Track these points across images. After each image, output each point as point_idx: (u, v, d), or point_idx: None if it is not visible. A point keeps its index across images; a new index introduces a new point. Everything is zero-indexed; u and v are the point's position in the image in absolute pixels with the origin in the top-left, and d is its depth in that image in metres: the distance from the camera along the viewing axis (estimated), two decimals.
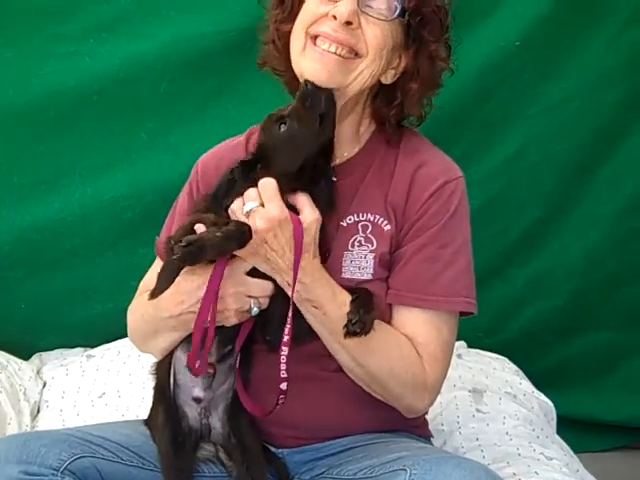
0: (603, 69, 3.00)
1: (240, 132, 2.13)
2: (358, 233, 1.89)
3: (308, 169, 1.78)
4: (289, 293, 1.76)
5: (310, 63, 1.84)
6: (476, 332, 3.13)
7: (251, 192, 1.73)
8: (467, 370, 2.76)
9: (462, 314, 1.95)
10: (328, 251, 1.86)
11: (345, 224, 1.90)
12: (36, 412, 2.67)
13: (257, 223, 1.70)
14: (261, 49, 2.02)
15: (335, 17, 1.80)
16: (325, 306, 1.78)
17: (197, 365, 1.80)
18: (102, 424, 2.06)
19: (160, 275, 1.92)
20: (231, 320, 1.81)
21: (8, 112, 2.81)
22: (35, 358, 2.96)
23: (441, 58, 1.92)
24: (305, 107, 1.76)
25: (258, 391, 1.88)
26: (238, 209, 1.74)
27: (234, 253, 1.74)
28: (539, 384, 2.86)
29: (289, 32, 1.91)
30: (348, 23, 1.80)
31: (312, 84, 1.76)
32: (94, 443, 1.78)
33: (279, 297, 1.79)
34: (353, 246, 1.89)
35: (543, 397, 2.76)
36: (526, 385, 2.79)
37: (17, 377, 2.73)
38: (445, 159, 1.97)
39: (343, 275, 1.87)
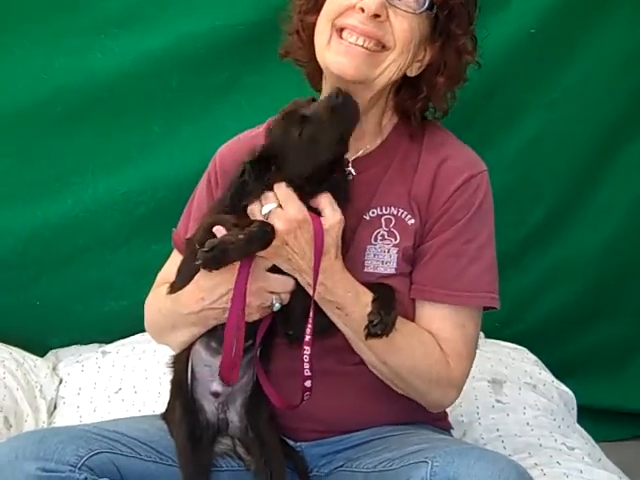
0: (620, 55, 2.96)
1: (251, 125, 2.12)
2: (381, 227, 1.88)
3: (323, 170, 1.76)
4: (310, 293, 1.75)
5: (336, 56, 1.82)
6: (494, 323, 3.10)
7: (268, 195, 1.72)
8: (486, 361, 2.73)
9: (485, 308, 1.93)
10: (347, 246, 1.83)
11: (368, 217, 1.88)
12: (53, 409, 2.66)
13: (276, 225, 1.69)
14: (284, 39, 2.00)
15: (362, 9, 1.77)
16: (347, 307, 1.77)
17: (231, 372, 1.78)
18: (119, 419, 2.05)
19: (180, 270, 1.91)
20: (253, 316, 1.80)
21: (19, 109, 2.80)
22: (51, 355, 2.95)
23: (468, 52, 1.91)
24: (330, 117, 1.72)
25: (278, 384, 1.86)
26: (257, 212, 1.72)
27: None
28: (559, 374, 2.83)
29: (314, 23, 1.88)
30: (376, 16, 1.78)
31: (342, 95, 1.71)
32: (111, 439, 1.76)
33: (300, 292, 1.78)
34: (376, 240, 1.87)
35: (563, 387, 2.73)
36: (545, 375, 2.76)
37: (33, 374, 2.73)
38: (469, 153, 1.95)
39: (366, 269, 1.86)
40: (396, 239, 1.87)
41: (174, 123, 2.86)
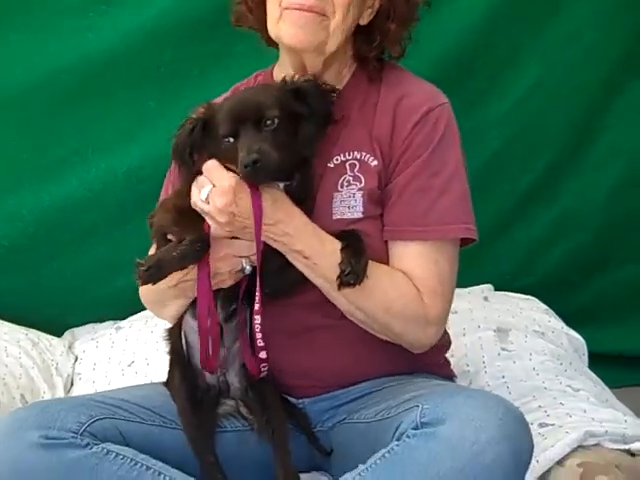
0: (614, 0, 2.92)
1: None
2: (346, 173, 1.88)
3: None
4: (273, 246, 1.78)
5: (288, 29, 1.85)
6: (503, 275, 3.11)
7: (200, 179, 1.76)
8: (493, 311, 2.73)
9: (464, 244, 1.92)
10: (314, 197, 1.85)
11: (332, 165, 1.89)
12: (70, 385, 2.72)
13: (217, 202, 1.71)
14: (233, 9, 2.03)
15: None
16: (314, 256, 1.78)
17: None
18: (122, 388, 2.10)
19: (156, 245, 1.94)
20: (227, 282, 1.83)
21: (16, 93, 2.83)
22: (67, 334, 3.00)
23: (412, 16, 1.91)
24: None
25: (270, 343, 1.87)
26: (197, 200, 1.75)
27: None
28: (570, 323, 2.82)
29: (263, 1, 1.91)
30: None
31: (251, 166, 1.69)
32: (113, 405, 1.81)
33: (269, 250, 1.79)
34: (342, 186, 1.88)
35: (573, 333, 2.73)
36: (555, 322, 2.75)
37: (49, 353, 2.78)
38: (428, 87, 1.95)
39: (334, 217, 1.86)
40: (361, 182, 1.87)
41: (170, 96, 2.87)
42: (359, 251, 1.77)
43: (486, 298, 2.85)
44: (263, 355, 1.83)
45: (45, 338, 2.87)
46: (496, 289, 3.01)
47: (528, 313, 2.77)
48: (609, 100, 3.05)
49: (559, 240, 3.16)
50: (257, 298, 1.78)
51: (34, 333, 2.87)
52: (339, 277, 1.74)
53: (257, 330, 1.80)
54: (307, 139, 1.80)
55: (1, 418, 1.78)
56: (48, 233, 2.94)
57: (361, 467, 1.65)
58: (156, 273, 1.71)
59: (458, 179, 1.87)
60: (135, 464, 1.71)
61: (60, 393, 2.63)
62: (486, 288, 2.96)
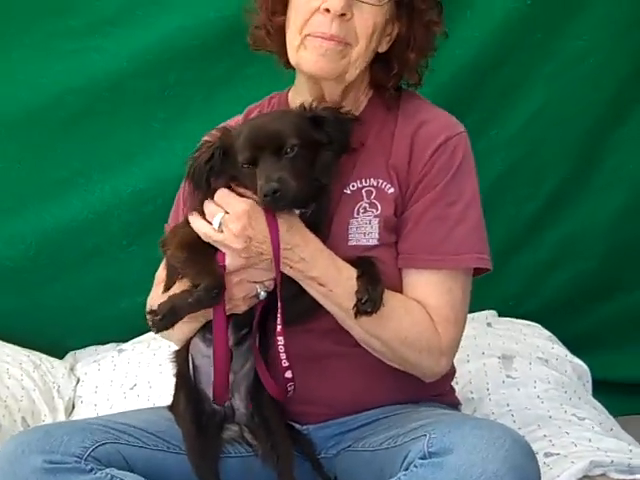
0: (617, 21, 2.93)
1: None
2: (363, 199, 1.88)
3: None
4: (287, 274, 1.77)
5: (310, 57, 1.85)
6: (507, 301, 3.11)
7: (211, 208, 1.76)
8: (497, 338, 2.73)
9: (478, 273, 1.92)
10: (330, 223, 1.86)
11: (349, 191, 1.89)
12: (71, 408, 2.70)
13: (233, 228, 1.71)
14: (251, 33, 2.02)
15: (328, 10, 1.79)
16: (330, 283, 1.78)
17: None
18: (125, 412, 2.08)
19: (168, 268, 1.94)
20: (241, 308, 1.82)
21: (20, 113, 2.84)
22: (69, 356, 3.00)
23: (435, 23, 1.91)
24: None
25: (278, 370, 1.87)
26: (209, 231, 1.74)
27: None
28: (573, 349, 2.82)
29: (282, 25, 1.91)
30: (342, 15, 1.80)
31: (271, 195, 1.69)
32: (117, 430, 1.80)
33: (287, 279, 1.79)
34: (358, 213, 1.88)
35: (577, 360, 2.72)
36: (559, 349, 2.75)
37: (50, 375, 2.77)
38: (446, 116, 1.96)
39: (349, 243, 1.86)
40: (377, 210, 1.87)
41: (175, 119, 2.89)
42: (375, 279, 1.77)
43: (490, 324, 2.85)
44: (289, 375, 1.82)
45: (47, 360, 2.86)
46: (499, 314, 3.01)
47: (532, 340, 2.77)
48: (614, 124, 3.05)
49: (563, 265, 3.15)
50: (279, 320, 1.77)
51: (36, 355, 2.86)
52: (356, 305, 1.74)
53: (281, 351, 1.79)
54: (325, 167, 1.80)
55: (4, 443, 1.76)
56: (51, 255, 2.94)
57: None
58: (170, 319, 1.72)
59: (474, 208, 1.88)
60: None
61: (61, 416, 2.62)
62: (490, 314, 2.96)
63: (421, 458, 1.58)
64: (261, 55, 2.79)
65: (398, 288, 1.87)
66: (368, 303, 1.73)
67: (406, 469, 1.60)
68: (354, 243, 1.86)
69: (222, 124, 2.07)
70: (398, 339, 1.82)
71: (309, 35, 1.83)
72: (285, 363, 1.81)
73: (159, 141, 2.90)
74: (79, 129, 2.87)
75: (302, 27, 1.84)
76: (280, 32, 1.92)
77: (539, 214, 3.11)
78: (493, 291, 3.04)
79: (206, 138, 1.84)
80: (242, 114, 2.11)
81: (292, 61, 1.90)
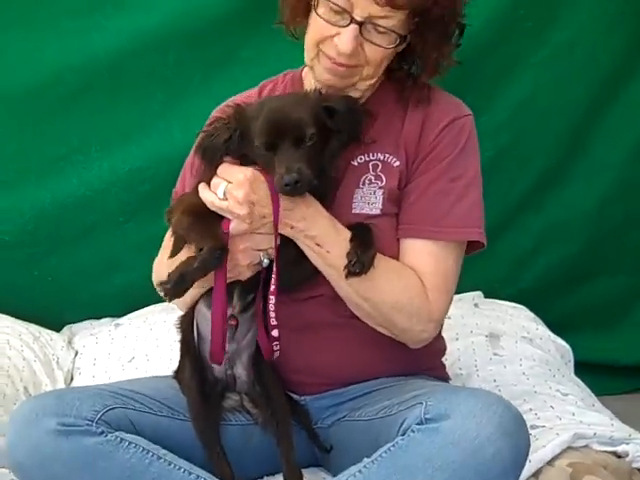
0: (607, 13, 3.01)
1: None
2: (369, 172, 1.96)
3: None
4: (287, 234, 1.84)
5: (322, 72, 1.91)
6: (493, 283, 3.19)
7: (215, 181, 1.82)
8: (484, 318, 2.82)
9: (472, 249, 2.00)
10: (335, 191, 1.93)
11: (356, 163, 1.97)
12: (70, 380, 2.76)
13: (236, 195, 1.77)
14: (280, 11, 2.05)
15: (338, 46, 1.85)
16: (327, 243, 1.84)
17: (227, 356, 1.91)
18: (132, 380, 2.15)
19: (174, 241, 1.99)
20: (245, 275, 1.89)
21: (20, 91, 2.88)
22: (66, 330, 3.05)
23: (444, 54, 1.95)
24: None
25: (285, 338, 1.93)
26: (215, 200, 1.81)
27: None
28: (556, 330, 2.90)
29: (304, 26, 1.96)
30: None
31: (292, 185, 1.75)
32: (125, 396, 1.87)
33: (287, 244, 1.86)
34: (364, 184, 1.95)
35: (560, 340, 2.82)
36: (543, 330, 2.84)
37: (50, 347, 2.83)
38: (454, 99, 2.04)
39: (353, 211, 1.94)
40: (382, 182, 1.94)
41: (173, 99, 2.95)
42: (368, 242, 1.84)
43: (477, 305, 2.94)
44: (275, 333, 1.89)
45: (46, 332, 2.91)
46: (485, 296, 3.10)
47: (517, 320, 2.86)
48: (599, 114, 3.14)
49: (548, 250, 3.25)
50: (273, 279, 1.84)
51: (35, 327, 2.92)
52: (346, 267, 1.82)
53: (271, 309, 1.86)
54: (332, 155, 1.87)
55: (19, 405, 1.83)
56: (48, 230, 2.99)
57: (366, 460, 1.72)
58: (181, 286, 1.78)
59: (475, 186, 1.96)
60: (147, 453, 1.77)
61: (61, 386, 2.66)
62: (476, 295, 3.05)
63: (418, 424, 1.66)
64: (258, 38, 2.90)
65: (395, 257, 1.94)
66: (357, 264, 1.80)
67: (403, 434, 1.68)
68: (357, 211, 1.94)
69: (234, 98, 2.13)
70: (390, 303, 1.88)
71: (322, 52, 1.89)
72: (273, 322, 1.87)
73: (157, 120, 2.95)
74: (78, 107, 2.91)
75: (318, 43, 1.90)
76: (301, 28, 1.98)
77: (525, 200, 3.20)
78: (479, 273, 3.12)
79: (218, 114, 1.90)
80: (256, 88, 2.15)
81: (307, 63, 1.96)
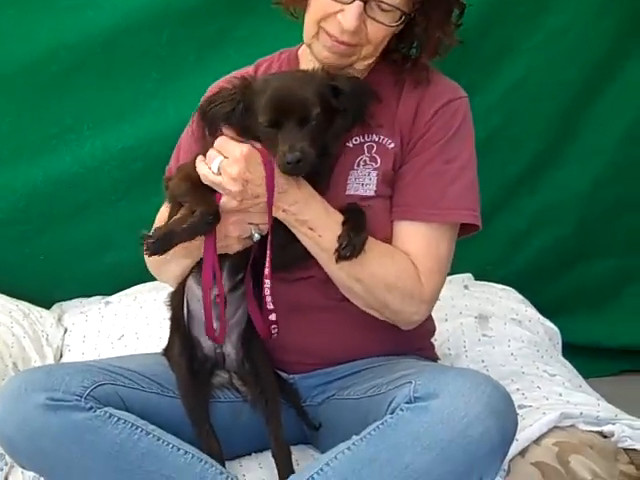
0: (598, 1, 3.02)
1: None
2: (364, 153, 1.96)
3: None
4: (280, 218, 1.84)
5: (321, 49, 1.91)
6: (484, 265, 3.20)
7: (209, 155, 1.80)
8: (474, 299, 2.83)
9: (467, 232, 2.01)
10: (330, 172, 1.93)
11: (351, 145, 1.97)
12: (59, 357, 2.76)
13: (230, 171, 1.76)
14: None
15: (341, 23, 1.85)
16: (320, 227, 1.85)
17: (216, 333, 1.91)
18: (122, 356, 2.17)
19: (170, 208, 1.99)
20: (234, 247, 1.89)
21: (13, 68, 2.86)
22: (56, 307, 3.05)
23: (447, 33, 1.96)
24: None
25: (264, 313, 1.94)
26: (208, 173, 1.79)
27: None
28: (546, 313, 2.91)
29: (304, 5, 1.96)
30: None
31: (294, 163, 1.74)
32: (114, 372, 1.88)
33: (279, 225, 1.86)
34: (358, 165, 1.96)
35: (548, 323, 2.83)
36: (531, 312, 2.85)
37: (39, 324, 2.83)
38: (450, 81, 2.04)
39: (347, 192, 1.94)
40: (377, 163, 1.95)
41: (167, 77, 2.93)
42: (359, 226, 1.85)
43: (466, 287, 2.95)
44: (273, 317, 1.89)
45: (35, 310, 2.92)
46: (475, 278, 3.12)
47: (506, 302, 2.87)
48: (592, 97, 3.14)
49: (538, 233, 3.26)
50: (267, 262, 1.84)
51: (25, 305, 2.92)
52: (337, 250, 1.82)
53: (267, 293, 1.86)
54: (335, 135, 1.87)
55: (8, 380, 1.84)
56: (40, 207, 2.99)
57: (355, 438, 1.72)
58: (164, 244, 1.75)
59: (470, 169, 1.96)
60: (136, 429, 1.78)
61: (50, 363, 2.68)
62: (466, 277, 3.06)
63: (407, 402, 1.67)
64: (252, 18, 2.89)
65: (388, 238, 1.95)
66: (348, 247, 1.81)
67: (392, 413, 1.69)
68: (351, 192, 1.94)
69: (233, 73, 2.12)
70: (382, 284, 1.89)
71: (323, 29, 1.89)
72: (270, 306, 1.88)
73: (151, 99, 2.94)
74: (72, 84, 2.90)
75: (319, 20, 1.89)
76: (300, 8, 1.98)
77: (516, 183, 3.21)
78: (470, 256, 3.11)
79: (223, 84, 1.88)
80: (252, 66, 2.15)
81: (305, 42, 1.96)
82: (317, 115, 1.77)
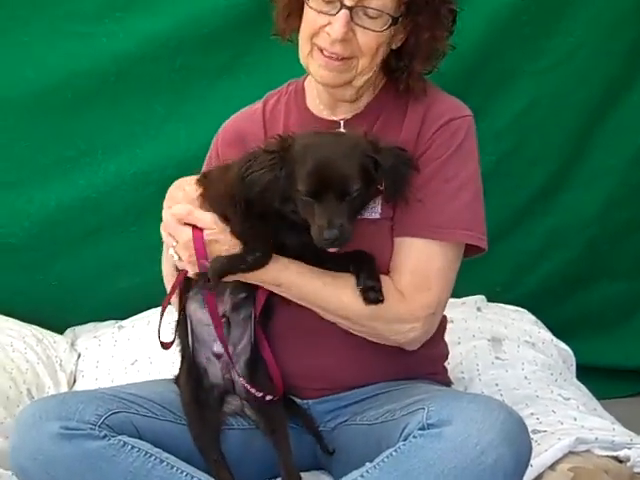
0: (609, 20, 3.02)
1: (253, 101, 2.22)
2: None
3: None
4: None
5: (317, 69, 1.94)
6: (495, 287, 3.19)
7: (166, 240, 1.94)
8: (486, 322, 2.82)
9: (473, 252, 2.00)
10: None
11: None
12: (73, 382, 2.78)
13: (182, 256, 1.87)
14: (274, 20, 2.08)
15: (329, 34, 1.88)
16: (317, 300, 1.91)
17: None
18: (134, 383, 2.17)
19: None
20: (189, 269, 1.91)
21: (28, 93, 2.89)
22: (69, 332, 3.06)
23: (439, 38, 1.97)
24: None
25: (279, 344, 1.98)
26: (175, 255, 1.90)
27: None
28: (559, 334, 2.91)
29: (297, 26, 1.98)
30: (342, 39, 1.88)
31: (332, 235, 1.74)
32: (128, 400, 1.88)
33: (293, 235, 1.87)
34: None
35: (562, 345, 2.82)
36: (545, 334, 2.85)
37: (53, 349, 2.84)
38: (455, 100, 2.05)
39: None
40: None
41: (179, 102, 2.96)
42: (372, 274, 1.88)
43: (479, 309, 2.94)
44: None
45: (49, 335, 2.93)
46: (488, 300, 3.10)
47: (519, 324, 2.86)
48: (601, 119, 3.14)
49: (549, 255, 3.25)
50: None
51: (38, 330, 2.93)
52: (366, 297, 1.85)
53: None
54: (368, 205, 1.90)
55: (23, 409, 1.85)
56: (54, 232, 3.00)
57: (368, 465, 1.73)
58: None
59: (468, 189, 1.95)
60: (150, 457, 1.79)
61: (64, 389, 2.69)
62: (479, 299, 3.05)
63: (420, 429, 1.67)
64: (264, 44, 2.90)
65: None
66: (378, 292, 1.85)
67: (405, 439, 1.69)
68: (358, 216, 1.94)
69: (238, 114, 2.16)
70: (365, 316, 1.90)
71: (315, 46, 1.92)
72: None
73: (163, 124, 2.97)
74: (85, 110, 2.93)
75: (311, 37, 1.92)
76: (294, 34, 2.00)
77: (527, 205, 3.20)
78: (482, 278, 3.13)
79: (265, 147, 1.82)
80: (261, 102, 2.17)
81: (302, 61, 1.98)
82: (357, 190, 1.75)
